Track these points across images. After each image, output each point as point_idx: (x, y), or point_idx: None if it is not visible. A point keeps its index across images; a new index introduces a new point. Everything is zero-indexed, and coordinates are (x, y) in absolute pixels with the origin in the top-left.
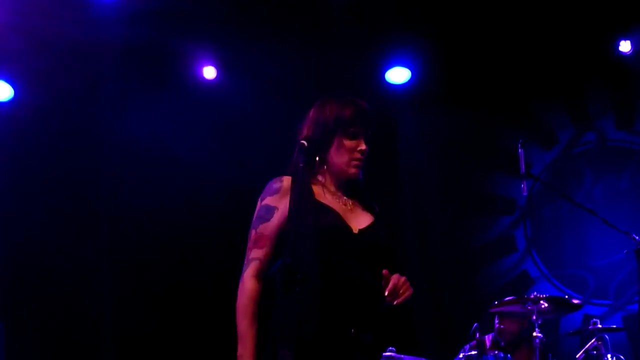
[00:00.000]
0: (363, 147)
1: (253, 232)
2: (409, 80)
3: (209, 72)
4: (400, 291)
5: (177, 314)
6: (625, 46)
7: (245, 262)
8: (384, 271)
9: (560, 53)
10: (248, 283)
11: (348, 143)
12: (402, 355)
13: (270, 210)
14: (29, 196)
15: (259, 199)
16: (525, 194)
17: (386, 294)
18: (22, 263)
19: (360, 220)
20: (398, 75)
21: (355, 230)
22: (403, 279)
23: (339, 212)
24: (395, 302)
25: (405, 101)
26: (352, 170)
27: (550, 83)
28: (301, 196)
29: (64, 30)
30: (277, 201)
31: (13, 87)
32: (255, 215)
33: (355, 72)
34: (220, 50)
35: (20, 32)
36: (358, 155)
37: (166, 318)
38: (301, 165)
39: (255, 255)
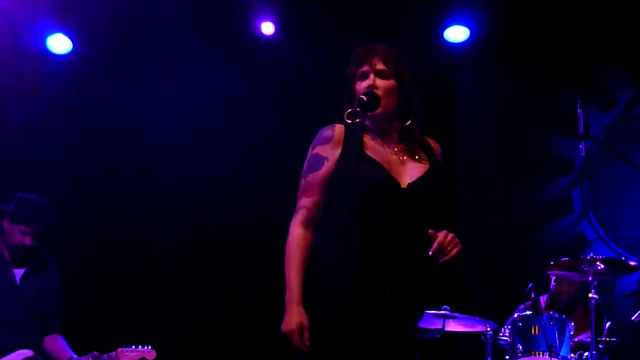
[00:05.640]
0: (370, 82)
1: (302, 182)
2: (468, 39)
3: (267, 28)
4: (448, 248)
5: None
6: None
7: (295, 210)
8: (430, 231)
9: (621, 14)
10: (294, 230)
11: (359, 85)
12: (457, 314)
13: (320, 160)
14: (88, 150)
15: (310, 147)
16: (583, 155)
17: (430, 253)
18: (80, 215)
19: (411, 172)
20: (457, 33)
21: (404, 185)
22: (451, 236)
23: (385, 167)
24: (441, 261)
25: (463, 60)
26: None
27: (611, 44)
28: (358, 153)
29: None
30: (327, 151)
31: (71, 40)
32: (305, 164)
33: (414, 31)
34: (278, 5)
35: None
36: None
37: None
38: (359, 120)
39: (303, 204)
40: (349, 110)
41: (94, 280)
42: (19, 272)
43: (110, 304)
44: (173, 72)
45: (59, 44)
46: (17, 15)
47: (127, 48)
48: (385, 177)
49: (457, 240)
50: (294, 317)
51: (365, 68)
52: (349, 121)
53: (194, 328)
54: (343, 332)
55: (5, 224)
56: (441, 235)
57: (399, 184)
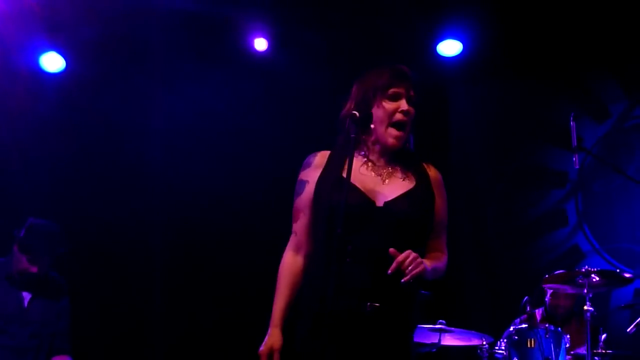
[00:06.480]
0: (404, 107)
1: (293, 207)
2: (461, 53)
3: (260, 44)
4: (409, 268)
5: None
6: None
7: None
8: (391, 250)
9: (613, 26)
10: (284, 255)
11: (388, 105)
12: (453, 328)
13: (302, 185)
14: (79, 167)
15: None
16: (577, 167)
17: (389, 272)
18: (72, 232)
19: (391, 192)
20: (449, 47)
21: (380, 203)
22: (412, 256)
23: (361, 188)
24: (402, 280)
25: (456, 74)
26: (391, 141)
27: (603, 56)
28: (348, 167)
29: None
30: (307, 175)
31: (64, 58)
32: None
33: (406, 45)
34: (271, 21)
35: (71, 1)
36: (400, 117)
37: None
38: (353, 135)
39: (293, 229)
40: (357, 114)
41: (85, 295)
42: (27, 295)
43: (104, 320)
44: (165, 89)
45: (52, 62)
46: (10, 34)
47: (120, 66)
48: (359, 199)
49: (419, 260)
50: (267, 339)
51: (401, 90)
52: (353, 122)
53: (189, 344)
54: (324, 349)
55: (15, 249)
56: (402, 255)
57: (373, 203)
